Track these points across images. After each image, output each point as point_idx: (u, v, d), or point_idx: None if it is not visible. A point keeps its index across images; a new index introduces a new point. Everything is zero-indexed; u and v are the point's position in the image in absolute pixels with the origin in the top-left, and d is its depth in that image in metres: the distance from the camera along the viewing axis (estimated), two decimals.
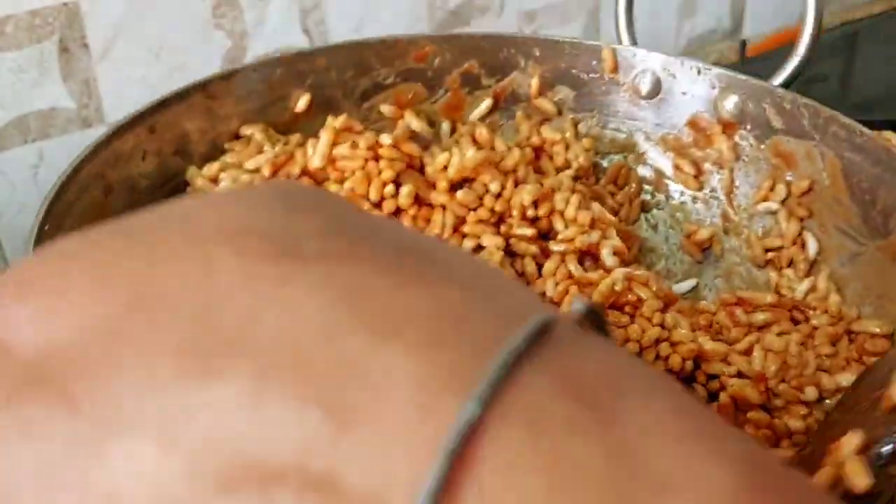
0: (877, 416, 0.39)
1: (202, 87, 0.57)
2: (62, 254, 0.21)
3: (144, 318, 0.19)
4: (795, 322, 0.54)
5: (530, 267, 0.53)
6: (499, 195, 0.53)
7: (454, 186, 0.53)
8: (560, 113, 0.65)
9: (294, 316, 0.19)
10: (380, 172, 0.52)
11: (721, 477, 0.19)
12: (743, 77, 0.61)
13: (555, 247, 0.54)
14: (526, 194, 0.53)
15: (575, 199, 0.54)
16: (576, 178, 0.59)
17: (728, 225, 0.62)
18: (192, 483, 0.18)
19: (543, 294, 0.52)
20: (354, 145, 0.53)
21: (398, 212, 0.53)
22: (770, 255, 0.60)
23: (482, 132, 0.59)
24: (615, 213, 0.61)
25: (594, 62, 0.62)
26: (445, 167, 0.53)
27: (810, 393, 0.50)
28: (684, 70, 0.62)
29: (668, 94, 0.63)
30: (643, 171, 0.65)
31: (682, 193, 0.63)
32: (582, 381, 0.20)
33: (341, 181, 0.53)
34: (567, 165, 0.61)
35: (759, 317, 0.54)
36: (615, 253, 0.53)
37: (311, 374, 0.19)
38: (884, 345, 0.52)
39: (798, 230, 0.59)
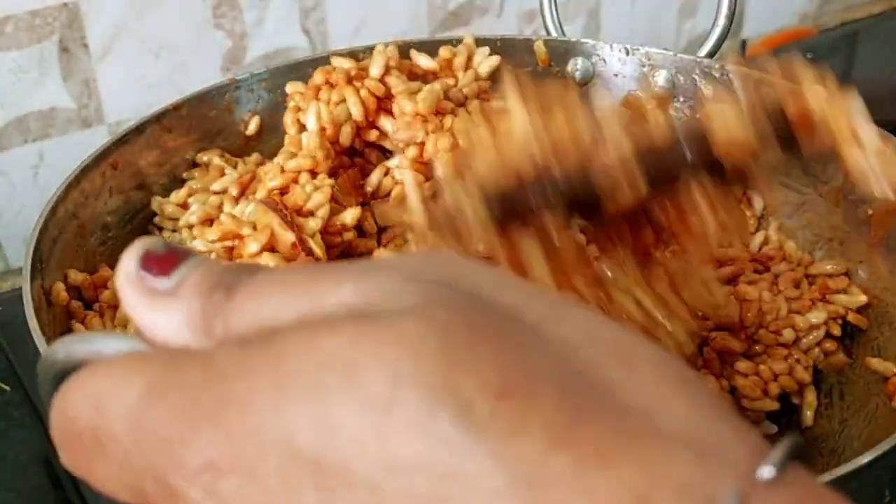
0: None
1: (157, 120, 0.59)
2: None
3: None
4: (757, 273, 0.58)
5: None
6: None
7: None
8: None
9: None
10: None
11: None
12: (670, 53, 0.64)
13: None
14: None
15: None
16: None
17: None
18: None
19: None
20: None
21: None
22: None
23: None
24: None
25: (528, 56, 0.65)
26: None
27: (788, 335, 0.53)
28: (613, 53, 0.66)
29: (601, 78, 0.66)
30: None
31: None
32: None
33: None
34: None
35: (727, 270, 0.56)
36: None
37: None
38: (844, 282, 0.56)
39: (742, 190, 0.63)
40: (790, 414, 0.54)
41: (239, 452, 0.21)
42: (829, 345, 0.54)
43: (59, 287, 0.49)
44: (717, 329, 0.54)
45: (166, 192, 0.59)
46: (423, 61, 0.61)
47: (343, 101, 0.56)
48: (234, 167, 0.59)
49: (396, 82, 0.57)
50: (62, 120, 0.74)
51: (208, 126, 0.61)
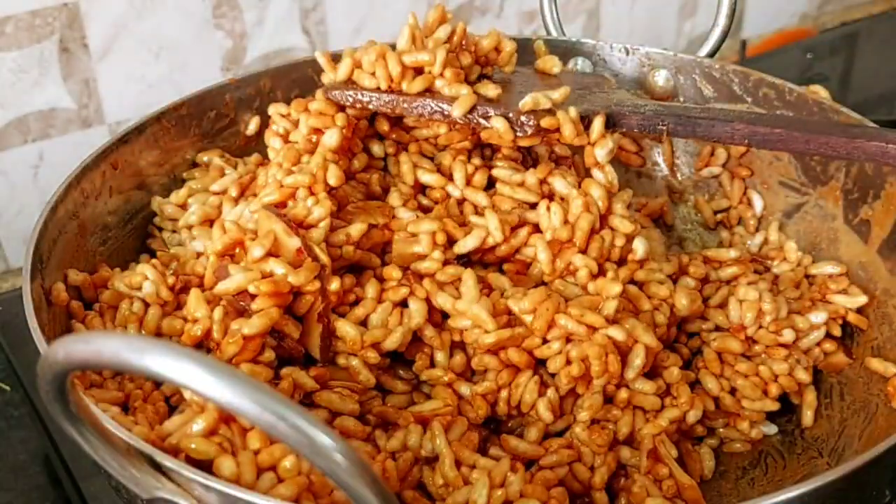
0: None
1: (157, 120, 0.59)
2: None
3: None
4: (758, 273, 0.58)
5: None
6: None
7: None
8: None
9: None
10: None
11: None
12: (670, 53, 0.65)
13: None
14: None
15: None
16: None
17: (675, 195, 0.65)
18: None
19: None
20: None
21: None
22: (719, 216, 0.64)
23: None
24: None
25: (528, 56, 0.64)
26: None
27: (788, 335, 0.53)
28: (613, 53, 0.66)
29: None
30: None
31: (626, 171, 0.66)
32: None
33: None
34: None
35: (728, 271, 0.57)
36: None
37: None
38: (844, 282, 0.56)
39: (742, 189, 0.63)
40: (790, 414, 0.54)
41: None
42: (829, 345, 0.54)
43: (59, 287, 0.49)
44: (716, 330, 0.54)
45: (166, 192, 0.59)
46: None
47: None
48: (234, 167, 0.59)
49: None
50: (62, 120, 0.74)
51: (208, 126, 0.61)
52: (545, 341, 0.49)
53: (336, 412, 0.47)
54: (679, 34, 1.03)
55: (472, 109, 0.52)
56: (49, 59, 0.72)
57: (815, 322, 0.54)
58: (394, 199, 0.54)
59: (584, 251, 0.51)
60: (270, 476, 0.39)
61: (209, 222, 0.55)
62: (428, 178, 0.55)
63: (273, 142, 0.56)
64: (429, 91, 0.53)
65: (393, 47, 0.54)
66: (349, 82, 0.55)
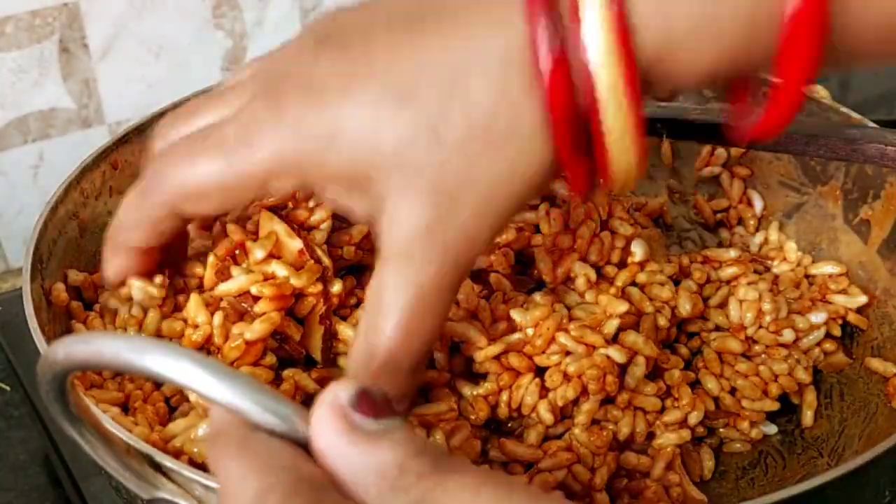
0: None
1: (158, 119, 0.58)
2: None
3: None
4: (758, 273, 0.58)
5: None
6: None
7: None
8: None
9: None
10: None
11: None
12: None
13: None
14: None
15: None
16: None
17: (674, 195, 0.65)
18: None
19: None
20: None
21: None
22: (719, 216, 0.64)
23: None
24: None
25: None
26: None
27: (788, 335, 0.53)
28: None
29: None
30: None
31: None
32: None
33: None
34: None
35: (728, 271, 0.56)
36: None
37: None
38: (844, 282, 0.56)
39: (742, 189, 0.63)
40: (790, 414, 0.54)
41: None
42: (829, 345, 0.54)
43: (59, 287, 0.49)
44: (716, 330, 0.54)
45: None
46: None
47: None
48: None
49: None
50: (62, 120, 0.74)
51: None
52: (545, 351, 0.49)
53: None
54: None
55: None
56: (49, 59, 0.72)
57: (815, 322, 0.54)
58: None
59: (583, 258, 0.51)
60: None
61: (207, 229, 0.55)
62: None
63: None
64: None
65: None
66: None
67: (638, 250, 0.53)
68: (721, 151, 0.63)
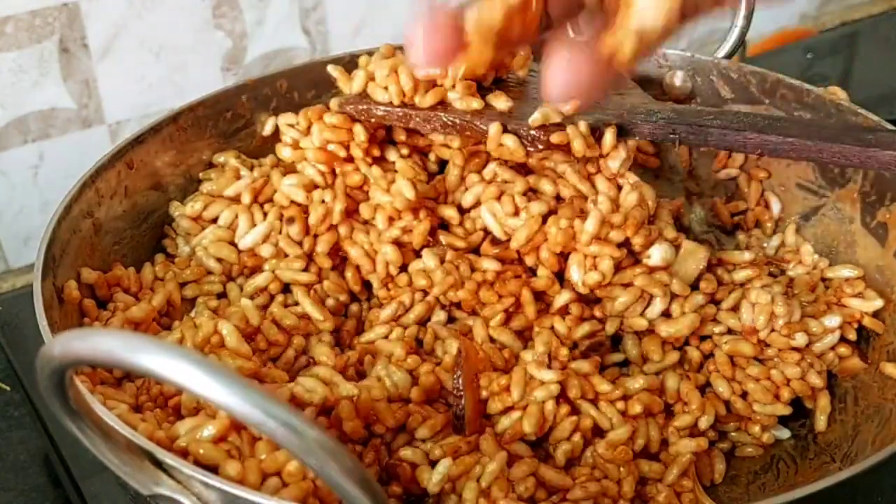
0: None
1: (173, 120, 0.59)
2: None
3: None
4: (773, 276, 0.57)
5: None
6: None
7: None
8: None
9: None
10: None
11: None
12: (688, 54, 0.64)
13: None
14: None
15: None
16: None
17: (692, 197, 0.65)
18: None
19: None
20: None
21: None
22: (736, 218, 0.63)
23: None
24: None
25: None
26: None
27: (801, 338, 0.53)
28: None
29: None
30: None
31: (643, 172, 0.64)
32: None
33: None
34: None
35: (741, 274, 0.56)
36: None
37: None
38: (860, 286, 0.55)
39: (760, 192, 0.63)
40: (803, 418, 0.53)
41: None
42: (844, 349, 0.53)
43: (72, 285, 0.50)
44: (728, 333, 0.53)
45: (182, 193, 0.59)
46: None
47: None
48: (250, 168, 0.59)
49: None
50: (62, 120, 0.74)
51: (224, 127, 0.61)
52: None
53: None
54: (679, 34, 1.03)
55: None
56: (49, 59, 0.72)
57: (830, 326, 0.53)
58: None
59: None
60: (275, 480, 0.39)
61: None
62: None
63: (284, 152, 0.57)
64: (441, 104, 0.53)
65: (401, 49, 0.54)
66: (363, 95, 0.55)
67: (655, 254, 0.52)
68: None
